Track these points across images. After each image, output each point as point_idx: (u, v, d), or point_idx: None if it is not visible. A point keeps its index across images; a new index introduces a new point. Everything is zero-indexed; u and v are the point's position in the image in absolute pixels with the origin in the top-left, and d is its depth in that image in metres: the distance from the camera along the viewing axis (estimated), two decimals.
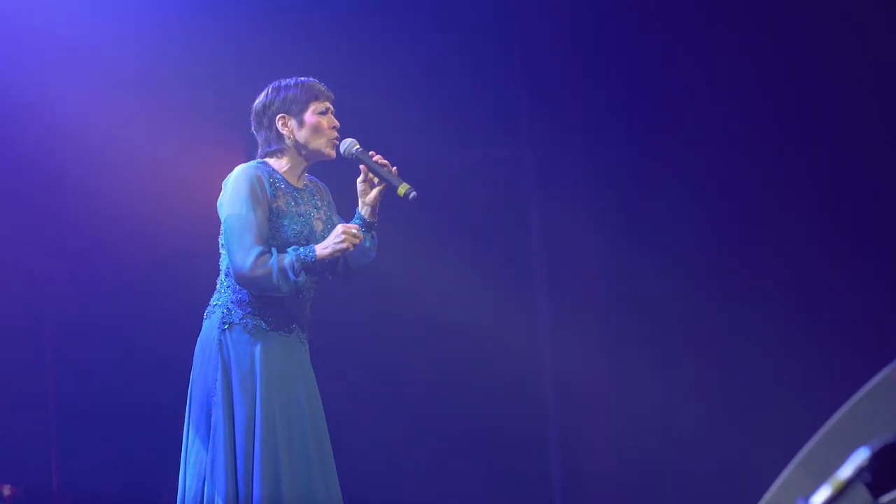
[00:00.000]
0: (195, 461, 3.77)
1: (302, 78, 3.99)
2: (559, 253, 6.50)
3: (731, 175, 6.26)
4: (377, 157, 3.93)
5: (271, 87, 3.98)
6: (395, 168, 3.93)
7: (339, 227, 3.80)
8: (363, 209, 3.96)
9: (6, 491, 5.83)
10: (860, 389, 2.14)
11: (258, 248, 3.74)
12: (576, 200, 6.49)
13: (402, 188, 3.86)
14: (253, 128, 4.01)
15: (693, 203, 6.32)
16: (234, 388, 3.77)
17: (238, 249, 3.76)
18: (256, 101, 3.98)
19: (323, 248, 3.77)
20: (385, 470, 6.49)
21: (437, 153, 6.59)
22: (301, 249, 3.77)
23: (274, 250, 3.76)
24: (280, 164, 3.95)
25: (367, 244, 3.98)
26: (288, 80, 3.98)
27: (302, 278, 3.74)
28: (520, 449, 6.59)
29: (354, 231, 3.80)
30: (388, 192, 3.94)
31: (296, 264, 3.73)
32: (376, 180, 3.94)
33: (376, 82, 6.49)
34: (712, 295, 6.21)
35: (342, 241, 3.77)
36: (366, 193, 3.95)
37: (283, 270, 3.72)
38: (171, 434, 6.30)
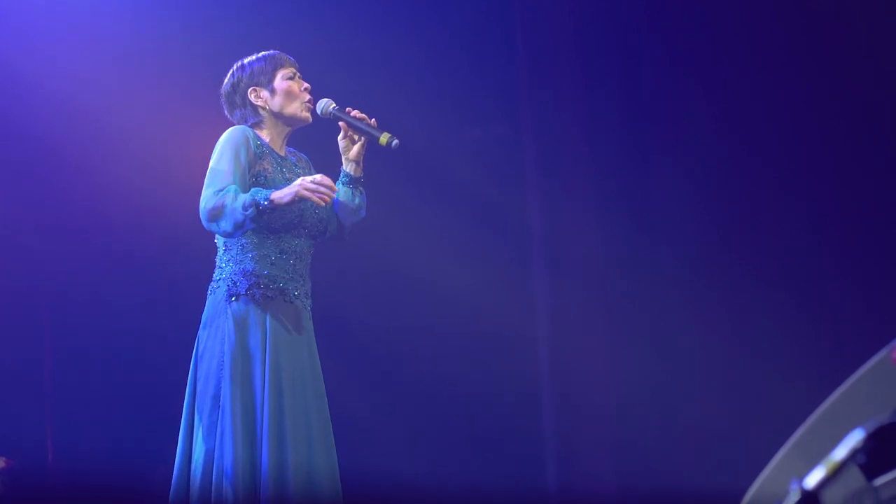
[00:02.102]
0: (205, 433, 3.77)
1: (263, 52, 4.04)
2: (556, 230, 6.50)
3: (731, 158, 6.27)
4: (355, 112, 3.95)
5: (235, 66, 4.03)
6: (373, 119, 3.95)
7: (298, 179, 3.80)
8: (348, 166, 4.00)
9: (1, 463, 5.84)
10: (856, 371, 2.13)
11: (218, 188, 3.76)
12: (574, 178, 6.49)
13: (384, 138, 3.88)
14: (226, 112, 4.05)
15: (691, 182, 6.32)
16: (244, 359, 3.79)
17: (203, 194, 3.78)
18: (224, 85, 4.03)
19: (278, 193, 3.74)
20: (381, 438, 6.51)
21: (437, 130, 6.59)
22: (259, 189, 3.75)
23: (232, 187, 3.75)
24: (261, 135, 3.99)
25: (357, 201, 4.01)
26: (249, 57, 4.04)
27: (251, 212, 3.70)
28: (513, 419, 6.62)
29: (311, 179, 3.76)
30: (371, 145, 3.96)
31: (247, 201, 3.70)
32: (356, 136, 3.95)
33: (377, 60, 6.48)
34: (709, 272, 6.22)
35: (294, 188, 3.73)
36: (348, 150, 3.99)
37: (234, 201, 3.71)
38: (165, 409, 6.31)
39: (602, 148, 6.48)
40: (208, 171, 3.83)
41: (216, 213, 3.73)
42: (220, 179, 3.78)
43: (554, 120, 6.51)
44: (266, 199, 3.72)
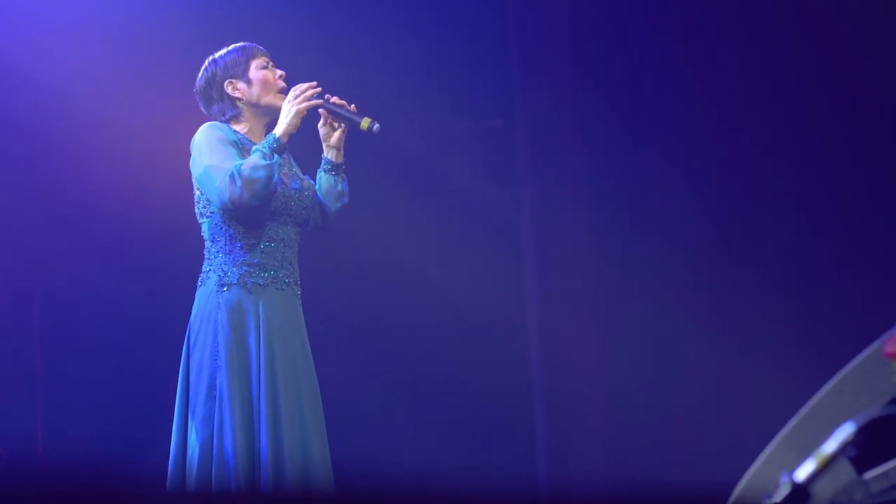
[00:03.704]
0: (200, 423, 3.79)
1: (234, 44, 4.07)
2: (548, 224, 6.50)
3: (725, 155, 6.28)
4: (334, 99, 3.98)
5: (207, 62, 4.07)
6: (353, 105, 3.97)
7: (285, 101, 3.90)
8: (329, 153, 4.05)
9: None
10: (848, 364, 2.13)
11: (226, 172, 3.78)
12: (566, 172, 6.49)
13: (365, 123, 3.91)
14: (203, 108, 4.08)
15: (684, 177, 6.32)
16: (239, 347, 3.81)
17: (215, 190, 3.80)
18: (198, 80, 4.06)
19: (279, 128, 3.87)
20: (371, 430, 6.52)
21: (430, 123, 6.58)
22: (261, 143, 3.83)
23: (236, 165, 3.78)
24: (240, 127, 4.02)
25: (340, 187, 4.05)
26: (220, 51, 4.07)
27: (276, 159, 3.79)
28: (504, 413, 6.63)
29: (295, 94, 3.89)
30: (352, 129, 3.99)
31: (265, 150, 3.79)
32: (336, 123, 3.98)
33: (369, 53, 6.47)
34: (701, 266, 6.24)
35: (291, 111, 3.87)
36: (329, 137, 4.03)
37: (253, 166, 3.75)
38: (155, 399, 6.32)
39: (595, 142, 6.47)
40: (204, 169, 3.83)
41: (245, 188, 3.74)
42: (223, 167, 3.79)
43: (546, 113, 6.51)
44: (275, 139, 3.82)
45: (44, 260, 6.49)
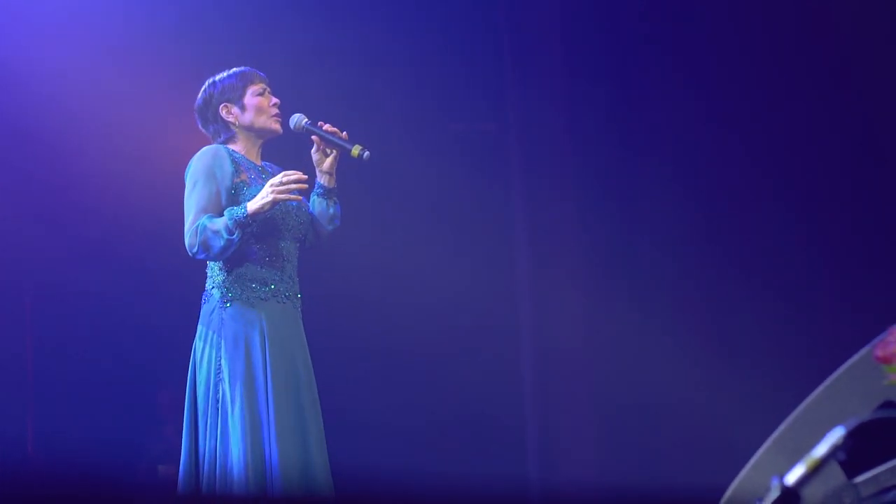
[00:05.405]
0: (207, 436, 3.87)
1: (235, 69, 4.15)
2: (540, 225, 6.51)
3: (715, 155, 6.28)
4: (327, 126, 4.07)
5: (207, 83, 4.14)
6: (345, 133, 4.06)
7: (268, 182, 3.92)
8: (322, 178, 4.12)
9: None
10: (838, 368, 2.14)
11: (193, 222, 3.89)
12: (558, 173, 6.49)
13: (356, 150, 4.01)
14: (200, 126, 4.16)
15: (675, 178, 6.33)
16: (244, 360, 3.89)
17: (185, 231, 3.92)
18: (197, 100, 4.14)
19: (253, 204, 3.88)
20: (364, 432, 6.51)
21: (422, 126, 6.58)
22: (234, 208, 3.88)
23: (206, 217, 3.87)
24: (236, 147, 4.10)
25: (332, 211, 4.13)
26: (221, 73, 4.14)
27: (237, 236, 3.85)
28: (497, 414, 6.63)
29: (280, 180, 3.89)
30: (343, 156, 4.07)
31: (229, 223, 3.84)
32: (329, 149, 4.08)
33: (363, 55, 6.47)
34: (693, 267, 6.25)
35: (269, 196, 3.87)
36: (321, 162, 4.11)
37: (216, 232, 3.84)
38: (146, 401, 6.31)
39: (587, 145, 6.48)
40: (186, 206, 3.94)
41: (201, 247, 3.86)
42: (194, 212, 3.90)
43: (539, 116, 6.51)
44: (244, 215, 3.85)
45: (35, 262, 6.48)
